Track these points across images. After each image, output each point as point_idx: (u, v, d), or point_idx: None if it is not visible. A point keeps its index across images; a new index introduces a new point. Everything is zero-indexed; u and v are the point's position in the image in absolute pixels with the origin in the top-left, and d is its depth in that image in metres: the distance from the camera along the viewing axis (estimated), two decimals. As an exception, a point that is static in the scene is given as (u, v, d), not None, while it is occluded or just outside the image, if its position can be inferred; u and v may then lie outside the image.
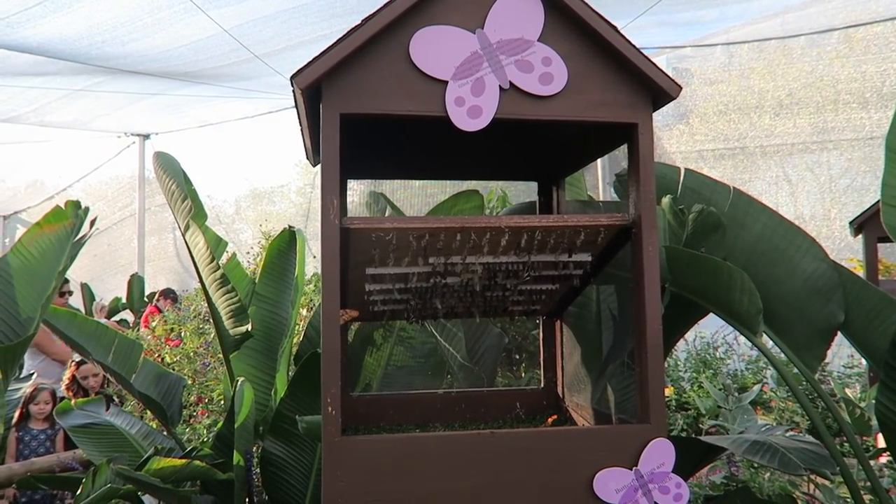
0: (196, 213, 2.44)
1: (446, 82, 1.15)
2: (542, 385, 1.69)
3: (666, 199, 1.70)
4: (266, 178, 13.12)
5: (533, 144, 1.64)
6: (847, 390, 2.94)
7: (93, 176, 13.36)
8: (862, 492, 2.18)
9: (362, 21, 1.12)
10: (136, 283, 8.65)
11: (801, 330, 1.76)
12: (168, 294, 6.38)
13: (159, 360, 3.44)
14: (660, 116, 12.28)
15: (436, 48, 1.15)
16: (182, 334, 3.74)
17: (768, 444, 1.60)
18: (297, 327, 2.83)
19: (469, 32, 1.16)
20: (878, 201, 2.55)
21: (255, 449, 2.49)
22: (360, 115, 1.14)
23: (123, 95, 8.86)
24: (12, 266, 2.24)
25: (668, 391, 6.68)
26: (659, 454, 1.16)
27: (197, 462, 2.22)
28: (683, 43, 9.71)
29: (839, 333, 1.78)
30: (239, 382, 2.36)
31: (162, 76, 7.77)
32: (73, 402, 2.62)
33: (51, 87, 8.12)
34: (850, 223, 2.81)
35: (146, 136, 11.52)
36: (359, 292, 1.41)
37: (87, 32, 6.10)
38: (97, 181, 13.55)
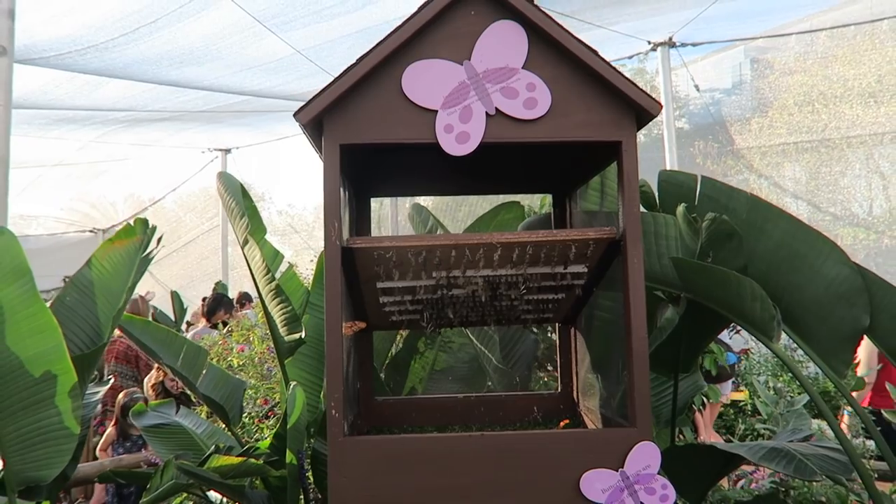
0: (254, 228, 2.63)
1: (436, 111, 1.25)
2: (560, 390, 1.76)
3: (680, 208, 1.73)
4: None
5: (546, 160, 1.71)
6: None
7: (182, 189, 14.18)
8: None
9: (357, 60, 1.24)
10: (219, 290, 9.13)
11: (826, 335, 1.75)
12: (245, 298, 6.71)
13: (227, 365, 3.69)
14: (738, 110, 11.84)
15: (425, 80, 1.25)
16: (251, 339, 3.98)
17: (785, 450, 1.60)
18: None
19: (457, 64, 1.26)
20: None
21: (306, 448, 2.66)
22: (358, 145, 1.26)
23: (206, 114, 9.39)
24: (92, 280, 2.49)
25: (743, 395, 6.47)
26: (645, 456, 1.22)
27: (252, 460, 2.40)
28: (756, 34, 9.38)
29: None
30: (291, 386, 2.53)
31: (240, 94, 8.20)
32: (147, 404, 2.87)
33: (140, 109, 8.70)
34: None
35: (227, 151, 12.14)
36: (375, 304, 1.53)
37: (167, 55, 6.54)
38: (187, 193, 14.41)
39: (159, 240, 2.58)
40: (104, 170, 12.95)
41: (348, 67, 1.24)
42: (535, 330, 2.36)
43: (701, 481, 1.85)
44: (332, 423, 1.20)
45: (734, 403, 6.09)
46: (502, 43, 1.26)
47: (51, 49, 5.89)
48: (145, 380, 5.00)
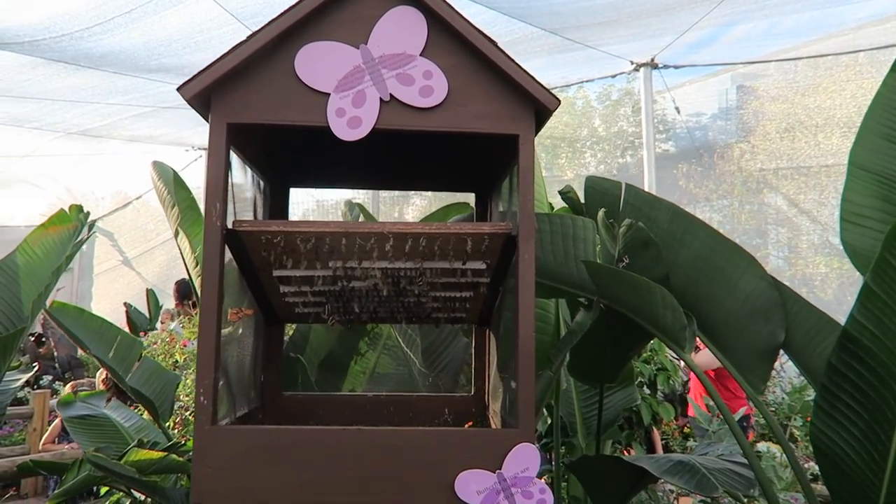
0: (187, 221, 2.59)
1: (328, 94, 1.22)
2: (473, 392, 1.72)
3: (600, 214, 1.71)
4: (324, 190, 13.61)
5: (468, 158, 1.68)
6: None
7: (167, 185, 14.07)
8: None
9: (248, 36, 1.20)
10: (182, 287, 9.01)
11: (743, 350, 1.72)
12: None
13: (172, 361, 3.62)
14: (722, 135, 11.95)
15: (319, 62, 1.22)
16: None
17: (691, 464, 1.57)
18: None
19: (353, 48, 1.23)
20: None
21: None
22: (246, 124, 1.22)
23: (186, 113, 9.34)
24: (19, 265, 2.43)
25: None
26: (524, 458, 1.18)
27: (174, 456, 2.33)
28: (736, 60, 9.47)
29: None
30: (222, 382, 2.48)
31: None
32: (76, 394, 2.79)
33: (126, 104, 8.62)
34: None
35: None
36: (277, 294, 1.48)
37: (144, 47, 6.49)
38: (172, 190, 14.31)
39: (91, 225, 2.52)
40: (81, 161, 12.84)
41: (238, 43, 1.20)
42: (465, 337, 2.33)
43: (616, 493, 1.81)
44: (199, 411, 1.15)
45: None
46: (401, 29, 1.23)
47: (24, 35, 5.83)
48: (97, 374, 4.91)
